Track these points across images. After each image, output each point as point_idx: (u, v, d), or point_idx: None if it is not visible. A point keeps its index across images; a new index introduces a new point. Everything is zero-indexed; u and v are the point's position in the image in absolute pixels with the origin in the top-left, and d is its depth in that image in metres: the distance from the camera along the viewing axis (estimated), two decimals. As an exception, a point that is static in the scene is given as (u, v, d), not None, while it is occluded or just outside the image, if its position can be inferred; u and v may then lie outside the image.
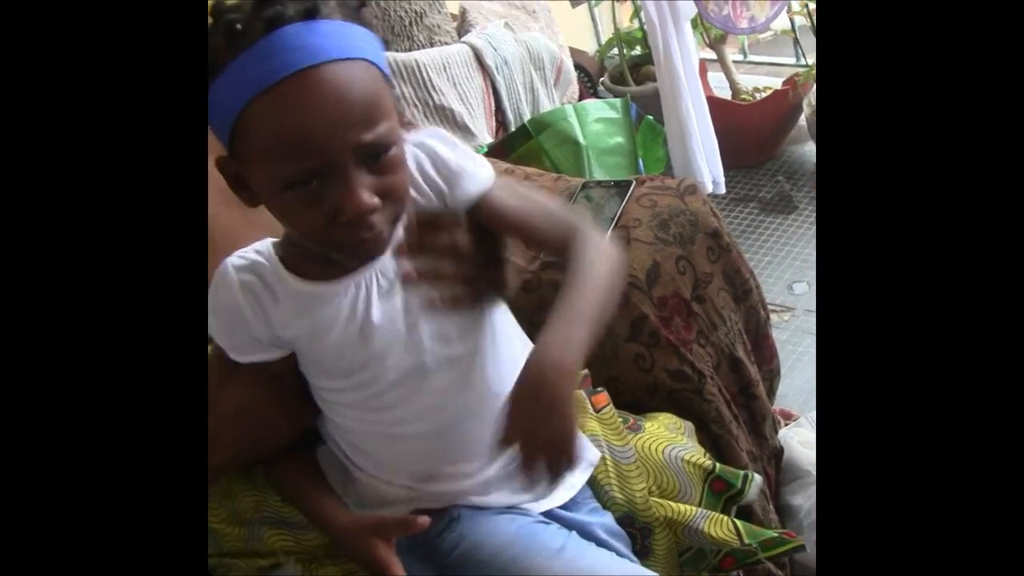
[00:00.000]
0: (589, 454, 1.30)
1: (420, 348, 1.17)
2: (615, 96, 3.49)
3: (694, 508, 1.32)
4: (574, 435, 1.05)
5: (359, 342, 1.15)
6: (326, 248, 1.10)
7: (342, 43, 1.02)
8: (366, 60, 1.04)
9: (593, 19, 4.15)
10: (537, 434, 1.03)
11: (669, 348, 1.52)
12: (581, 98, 3.33)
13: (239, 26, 0.99)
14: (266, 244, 1.18)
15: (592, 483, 1.31)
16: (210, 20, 1.03)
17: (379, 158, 1.04)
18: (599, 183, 1.72)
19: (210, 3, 1.04)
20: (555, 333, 1.07)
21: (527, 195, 1.25)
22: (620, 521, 1.29)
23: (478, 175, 1.20)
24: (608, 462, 1.32)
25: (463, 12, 3.18)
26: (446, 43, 2.87)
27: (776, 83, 3.58)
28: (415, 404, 1.18)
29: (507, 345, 1.24)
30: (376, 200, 1.04)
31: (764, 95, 3.50)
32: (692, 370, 1.52)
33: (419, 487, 1.23)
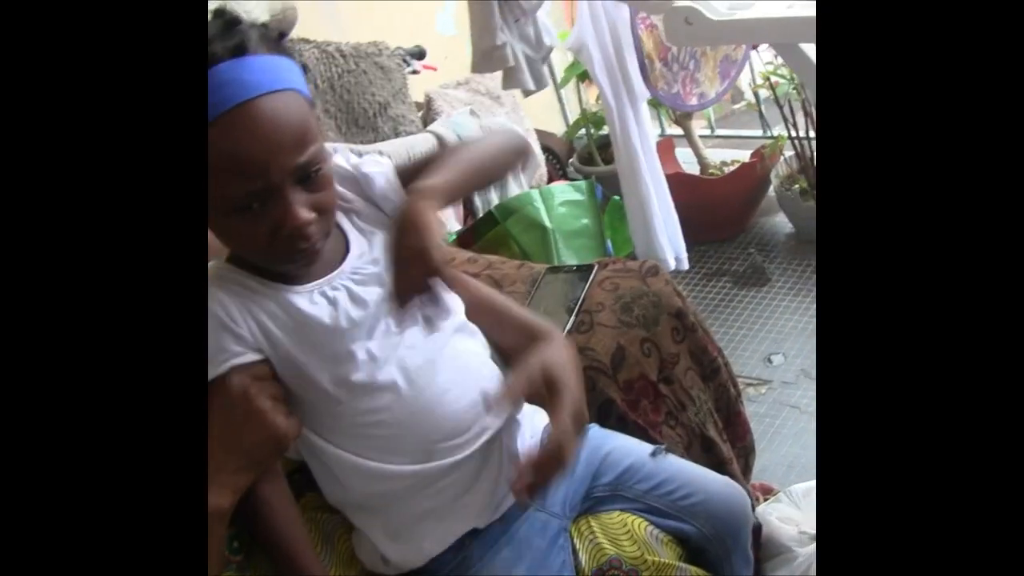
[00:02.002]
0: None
1: (395, 330, 1.23)
2: (585, 176, 3.51)
3: (678, 563, 1.35)
4: (432, 246, 1.21)
5: (357, 321, 1.20)
6: (268, 262, 1.18)
7: (271, 76, 1.10)
8: (294, 89, 1.13)
9: (560, 100, 4.19)
10: (402, 248, 1.22)
11: (637, 431, 1.51)
12: (550, 180, 3.36)
13: (213, 41, 1.07)
14: (219, 262, 1.22)
15: (576, 535, 1.33)
16: None
17: (310, 178, 1.14)
18: (561, 268, 1.73)
19: None
20: (428, 175, 1.27)
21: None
22: (607, 564, 1.31)
23: (381, 168, 1.32)
24: (592, 523, 1.35)
25: (429, 100, 3.20)
26: (411, 132, 2.88)
27: (744, 156, 3.61)
28: (396, 384, 1.21)
29: (470, 327, 1.34)
30: (312, 215, 1.14)
31: (732, 168, 3.53)
32: (662, 453, 1.51)
33: (420, 466, 1.23)
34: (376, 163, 1.33)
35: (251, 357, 1.17)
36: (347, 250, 1.25)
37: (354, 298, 1.21)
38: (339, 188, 1.25)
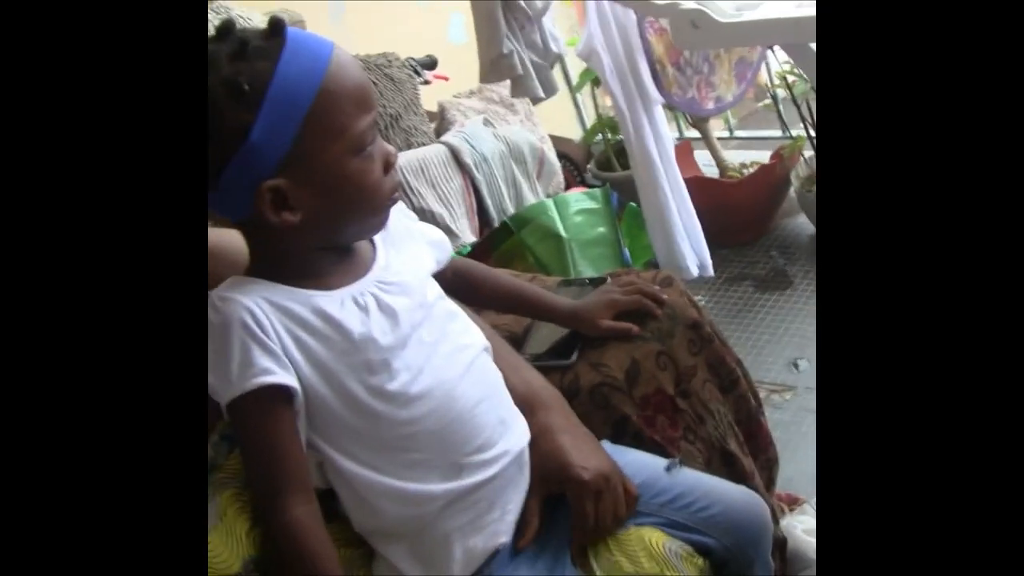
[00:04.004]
0: None
1: (428, 340, 1.23)
2: (603, 182, 3.48)
3: None
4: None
5: (389, 329, 1.19)
6: (377, 206, 1.21)
7: None
8: None
9: (576, 106, 4.16)
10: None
11: (654, 448, 1.47)
12: (568, 186, 3.32)
13: (250, 45, 1.09)
14: (242, 276, 1.19)
15: (593, 553, 1.32)
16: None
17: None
18: (574, 281, 1.70)
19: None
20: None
21: None
22: None
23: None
24: (609, 540, 1.32)
25: (442, 110, 3.18)
26: (423, 144, 2.85)
27: (763, 157, 3.56)
28: (433, 394, 1.21)
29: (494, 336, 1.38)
30: None
31: (752, 171, 3.49)
32: (681, 469, 1.47)
33: (452, 484, 1.22)
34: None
35: (282, 379, 1.12)
36: (373, 259, 1.25)
37: (383, 307, 1.19)
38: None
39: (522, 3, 2.62)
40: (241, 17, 2.49)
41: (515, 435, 1.28)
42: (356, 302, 1.18)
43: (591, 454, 1.31)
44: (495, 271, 1.56)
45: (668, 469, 1.37)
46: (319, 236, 1.18)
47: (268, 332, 1.13)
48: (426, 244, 1.35)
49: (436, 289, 1.29)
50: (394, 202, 1.23)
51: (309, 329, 1.15)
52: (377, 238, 1.27)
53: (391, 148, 1.20)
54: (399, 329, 1.19)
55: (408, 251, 1.29)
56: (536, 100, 2.83)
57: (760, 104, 4.07)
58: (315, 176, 1.13)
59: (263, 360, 1.11)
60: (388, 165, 1.19)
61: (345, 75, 1.13)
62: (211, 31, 1.13)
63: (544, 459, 1.29)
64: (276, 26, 1.11)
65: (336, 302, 1.17)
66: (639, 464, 1.38)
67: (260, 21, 2.33)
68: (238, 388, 1.11)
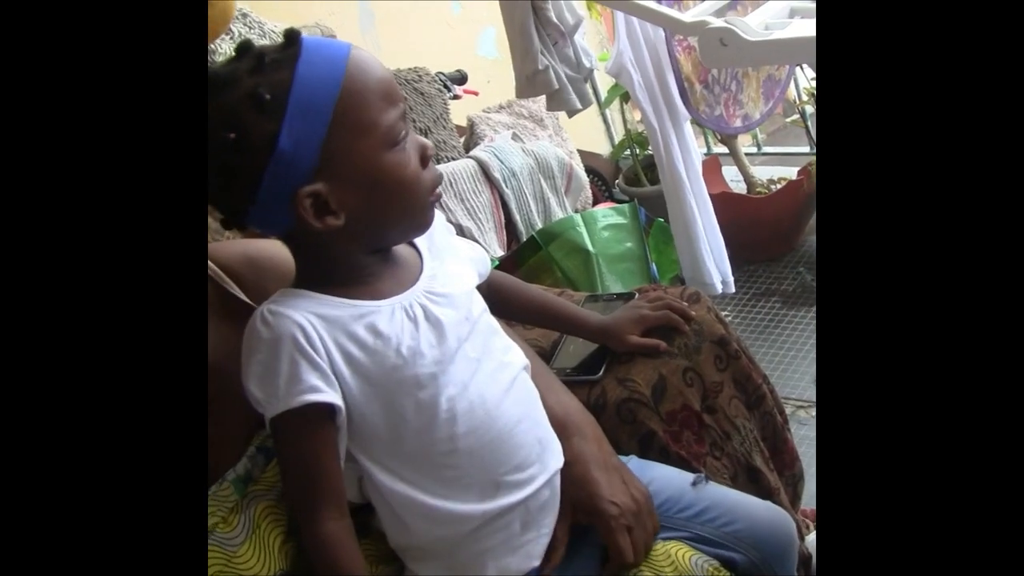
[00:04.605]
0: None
1: (473, 356, 1.23)
2: (631, 198, 3.49)
3: None
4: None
5: (436, 343, 1.19)
6: (419, 200, 1.19)
7: None
8: None
9: (605, 121, 4.17)
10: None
11: (680, 463, 1.47)
12: (596, 202, 3.33)
13: (267, 59, 1.10)
14: (290, 291, 1.19)
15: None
16: (218, 94, 1.10)
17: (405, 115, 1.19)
18: (601, 296, 1.71)
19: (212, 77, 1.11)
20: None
21: None
22: None
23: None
24: None
25: (471, 125, 3.19)
26: (452, 159, 2.87)
27: (791, 173, 3.56)
28: (475, 412, 1.21)
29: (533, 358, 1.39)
30: None
31: (779, 186, 3.49)
32: (707, 485, 1.47)
33: (488, 504, 1.22)
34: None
35: (328, 397, 1.13)
36: (421, 268, 1.25)
37: (430, 319, 1.19)
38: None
39: (555, 19, 2.64)
40: (274, 31, 2.52)
41: (552, 456, 1.28)
42: (406, 312, 1.18)
43: (621, 488, 1.31)
44: (526, 284, 1.57)
45: (694, 484, 1.37)
46: (365, 238, 1.18)
47: (318, 348, 1.13)
48: (468, 259, 1.35)
49: (480, 303, 1.29)
50: (437, 197, 1.22)
51: (359, 343, 1.15)
52: (423, 247, 1.27)
53: (426, 141, 1.20)
54: (446, 343, 1.19)
55: (451, 264, 1.29)
56: (573, 112, 2.84)
57: (788, 120, 4.07)
58: (351, 175, 1.13)
59: (311, 377, 1.12)
60: (425, 158, 1.19)
61: (366, 71, 1.13)
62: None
63: (576, 487, 1.30)
64: (291, 37, 1.12)
65: (386, 314, 1.17)
66: (666, 479, 1.38)
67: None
68: (284, 404, 1.11)
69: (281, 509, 1.22)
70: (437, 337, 1.19)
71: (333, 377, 1.13)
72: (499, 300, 1.42)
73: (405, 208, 1.19)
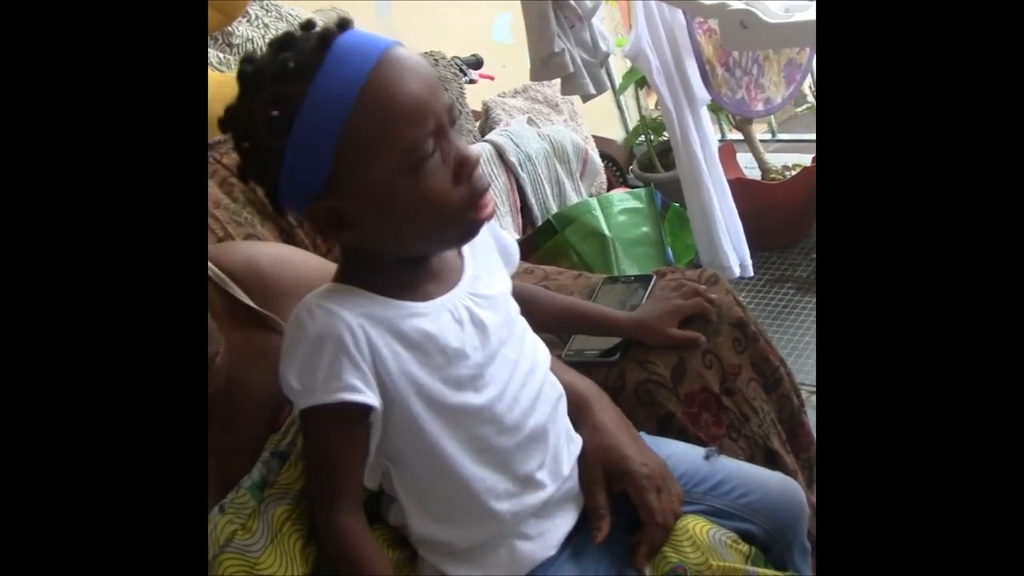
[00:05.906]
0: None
1: (511, 358, 1.23)
2: (645, 183, 3.48)
3: (744, 566, 1.32)
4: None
5: (480, 345, 1.19)
6: (449, 218, 1.12)
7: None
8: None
9: (620, 107, 4.16)
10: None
11: (699, 445, 1.47)
12: (610, 187, 3.33)
13: (291, 64, 1.06)
14: (339, 287, 1.17)
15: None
16: (246, 96, 1.09)
17: (455, 121, 1.13)
18: (619, 279, 1.70)
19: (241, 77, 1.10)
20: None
21: None
22: (671, 572, 1.29)
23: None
24: None
25: (487, 109, 3.20)
26: (468, 143, 2.86)
27: (806, 160, 3.56)
28: (513, 411, 1.21)
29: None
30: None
31: (794, 173, 3.48)
32: (724, 466, 1.48)
33: (516, 500, 1.22)
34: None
35: (366, 398, 1.12)
36: (463, 268, 1.24)
37: (475, 321, 1.19)
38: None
39: (572, 2, 2.63)
40: (291, 15, 2.52)
41: (576, 447, 1.29)
42: (452, 315, 1.18)
43: (648, 452, 1.33)
44: (550, 292, 1.57)
45: (707, 457, 1.38)
46: (391, 251, 1.17)
47: (363, 351, 1.12)
48: (497, 256, 1.33)
49: (515, 304, 1.29)
50: (480, 210, 1.14)
51: (408, 343, 1.14)
52: (464, 248, 1.25)
53: (469, 152, 1.11)
54: (489, 345, 1.19)
55: (488, 264, 1.28)
56: (587, 97, 2.84)
57: (799, 109, 4.06)
58: (364, 194, 1.09)
59: (351, 376, 1.11)
60: (462, 172, 1.11)
61: (391, 85, 1.06)
62: (270, 34, 1.12)
63: (605, 452, 1.30)
64: (324, 38, 1.07)
65: (433, 317, 1.17)
66: (680, 455, 1.39)
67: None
68: (320, 398, 1.11)
69: (299, 512, 1.22)
70: (481, 339, 1.19)
71: (373, 379, 1.12)
72: (525, 312, 1.36)
73: (431, 227, 1.14)
